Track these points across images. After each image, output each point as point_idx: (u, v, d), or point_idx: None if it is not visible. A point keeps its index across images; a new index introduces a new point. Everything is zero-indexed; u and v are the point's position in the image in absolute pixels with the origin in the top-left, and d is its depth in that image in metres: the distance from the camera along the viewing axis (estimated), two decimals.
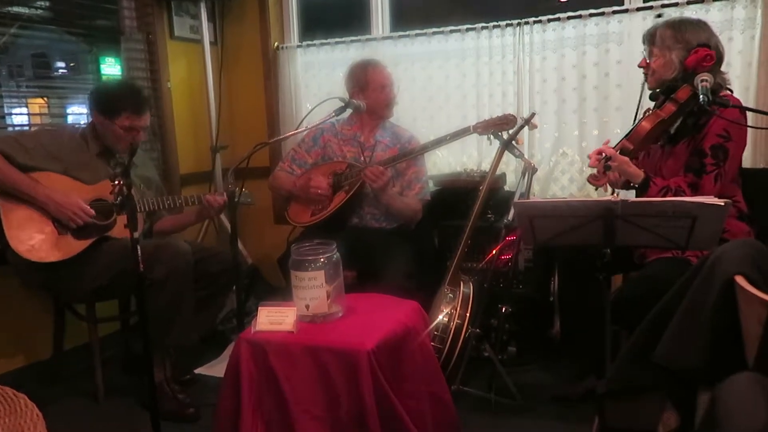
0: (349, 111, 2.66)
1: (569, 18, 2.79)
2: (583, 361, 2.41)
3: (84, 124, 2.51)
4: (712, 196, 1.69)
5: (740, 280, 1.26)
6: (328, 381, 1.66)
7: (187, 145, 3.47)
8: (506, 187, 2.93)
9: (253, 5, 3.52)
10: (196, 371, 2.71)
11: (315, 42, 3.41)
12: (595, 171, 2.05)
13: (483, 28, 2.96)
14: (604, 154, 1.98)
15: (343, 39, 3.32)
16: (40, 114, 3.06)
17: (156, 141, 3.33)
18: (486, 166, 2.99)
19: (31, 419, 1.29)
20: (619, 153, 1.99)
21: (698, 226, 1.58)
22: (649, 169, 2.08)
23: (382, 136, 2.76)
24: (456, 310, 2.27)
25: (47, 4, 3.03)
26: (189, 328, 2.40)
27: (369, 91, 2.68)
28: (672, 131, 2.08)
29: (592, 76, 2.81)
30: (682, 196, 1.95)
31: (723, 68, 2.08)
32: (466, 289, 2.35)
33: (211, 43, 3.44)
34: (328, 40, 3.36)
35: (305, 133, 2.77)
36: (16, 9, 2.81)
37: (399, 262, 2.46)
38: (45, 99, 3.14)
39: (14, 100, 2.98)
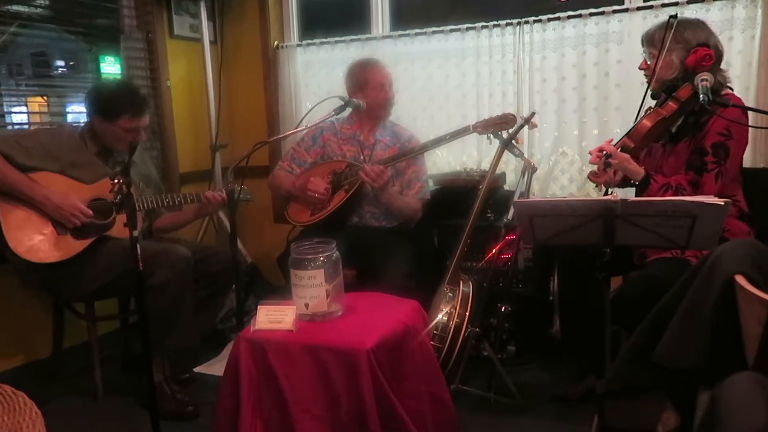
0: (348, 110, 2.66)
1: (569, 17, 2.79)
2: (582, 360, 2.41)
3: (83, 123, 2.50)
4: (713, 195, 1.69)
5: (740, 279, 1.26)
6: (328, 380, 1.66)
7: (187, 144, 3.47)
8: (506, 187, 2.93)
9: (252, 4, 3.52)
10: (196, 370, 2.71)
11: (315, 41, 3.40)
12: (595, 168, 2.05)
13: (483, 27, 2.96)
14: (604, 152, 1.98)
15: (343, 38, 3.32)
16: (40, 113, 3.05)
17: (155, 140, 3.33)
18: (486, 165, 2.98)
19: (30, 417, 1.29)
20: (620, 150, 1.99)
21: (698, 226, 1.58)
22: (650, 167, 2.08)
23: (382, 135, 2.76)
24: (455, 310, 2.27)
25: (47, 2, 3.03)
26: (189, 330, 2.40)
27: (367, 90, 2.67)
28: (673, 130, 2.08)
29: (592, 75, 2.81)
30: (682, 193, 1.95)
31: (723, 68, 2.08)
32: (466, 288, 2.35)
33: (210, 41, 3.44)
34: (328, 39, 3.36)
35: (305, 132, 2.76)
36: (15, 7, 2.81)
37: (399, 261, 2.46)
38: (44, 98, 3.14)
39: (14, 99, 2.98)
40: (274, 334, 1.73)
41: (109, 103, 2.36)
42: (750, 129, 2.07)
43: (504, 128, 2.45)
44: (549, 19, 2.82)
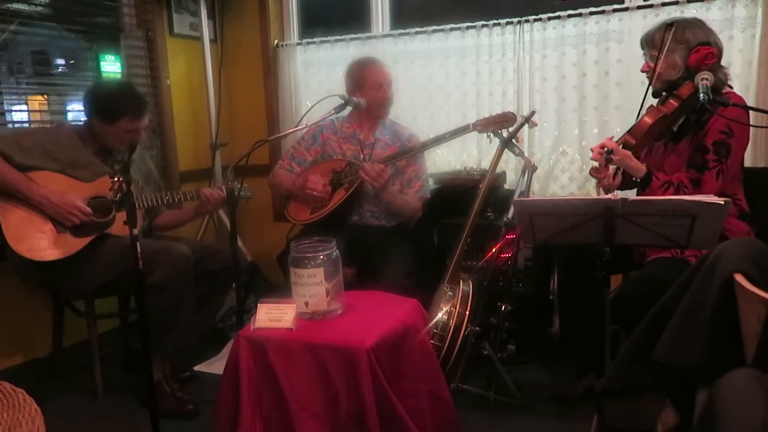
0: (348, 108, 2.65)
1: (569, 16, 2.79)
2: (582, 360, 2.41)
3: (82, 122, 2.49)
4: (714, 193, 1.69)
5: (740, 278, 1.26)
6: (327, 378, 1.66)
7: (187, 143, 3.47)
8: (506, 186, 2.94)
9: (253, 3, 3.52)
10: (196, 368, 2.71)
11: (315, 40, 3.40)
12: (597, 164, 2.04)
13: (483, 26, 2.96)
14: (606, 148, 1.98)
15: (343, 37, 3.32)
16: (40, 111, 3.05)
17: (155, 138, 3.33)
18: (486, 164, 2.98)
19: (29, 414, 1.29)
20: (622, 147, 1.99)
21: (698, 225, 1.58)
22: (652, 166, 2.07)
23: (382, 133, 2.76)
24: (455, 308, 2.27)
25: (47, 0, 3.03)
26: (190, 328, 2.40)
27: (365, 90, 2.67)
28: (675, 129, 2.08)
29: (592, 74, 2.81)
30: (684, 191, 1.95)
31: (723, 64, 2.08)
32: (466, 287, 2.35)
33: (210, 40, 3.44)
34: (328, 38, 3.36)
35: (305, 130, 2.77)
36: (15, 6, 2.81)
37: (398, 259, 2.46)
38: (45, 96, 3.13)
39: (14, 98, 2.98)
40: (273, 332, 1.73)
41: (108, 105, 2.35)
42: (750, 128, 2.07)
43: (504, 127, 2.45)
44: (549, 18, 2.82)
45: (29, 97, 3.08)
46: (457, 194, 2.80)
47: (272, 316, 1.77)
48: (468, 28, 3.00)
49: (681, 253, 1.97)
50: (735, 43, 2.52)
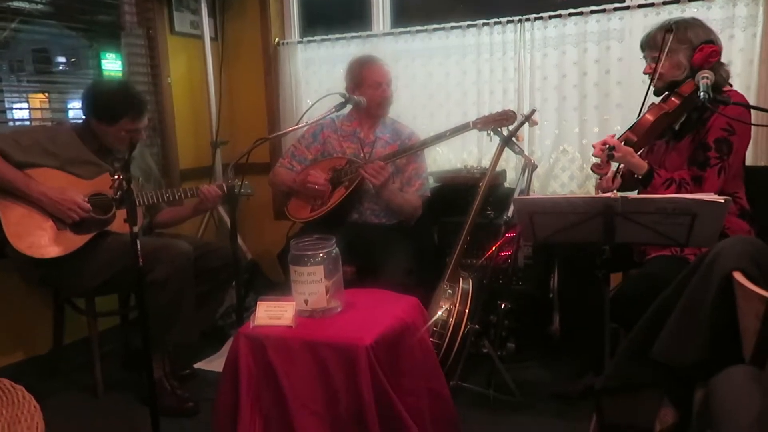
0: (349, 107, 2.66)
1: (570, 15, 2.79)
2: (582, 358, 2.41)
3: (81, 120, 2.49)
4: (716, 190, 1.69)
5: (738, 276, 1.26)
6: (327, 376, 1.66)
7: (188, 141, 3.47)
8: (506, 184, 2.94)
9: (253, 1, 3.52)
10: (196, 366, 2.71)
11: (315, 38, 3.40)
12: (598, 161, 2.04)
13: (484, 24, 2.96)
14: (608, 145, 1.98)
15: (344, 35, 3.32)
16: (41, 109, 3.05)
17: (156, 136, 3.33)
18: (486, 162, 2.98)
19: (28, 410, 1.29)
20: (623, 144, 1.99)
21: (698, 224, 1.58)
22: (653, 164, 2.07)
23: (382, 132, 2.76)
24: (455, 306, 2.27)
25: None
26: (190, 326, 2.41)
27: (364, 88, 2.67)
28: (677, 127, 2.08)
29: (592, 73, 2.81)
30: (686, 188, 1.95)
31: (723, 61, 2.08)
32: (466, 285, 2.34)
33: (211, 38, 3.45)
34: (329, 36, 3.36)
35: (305, 129, 2.77)
36: (16, 4, 2.81)
37: (398, 258, 2.46)
38: (46, 94, 3.14)
39: (15, 95, 2.98)
40: (273, 330, 1.73)
41: (107, 106, 2.34)
42: (751, 127, 2.07)
43: (504, 125, 2.45)
44: (550, 17, 2.82)
45: (30, 95, 3.09)
46: (457, 192, 2.80)
47: (272, 313, 1.77)
48: (469, 26, 3.00)
49: (681, 251, 1.97)
50: (736, 42, 2.52)
